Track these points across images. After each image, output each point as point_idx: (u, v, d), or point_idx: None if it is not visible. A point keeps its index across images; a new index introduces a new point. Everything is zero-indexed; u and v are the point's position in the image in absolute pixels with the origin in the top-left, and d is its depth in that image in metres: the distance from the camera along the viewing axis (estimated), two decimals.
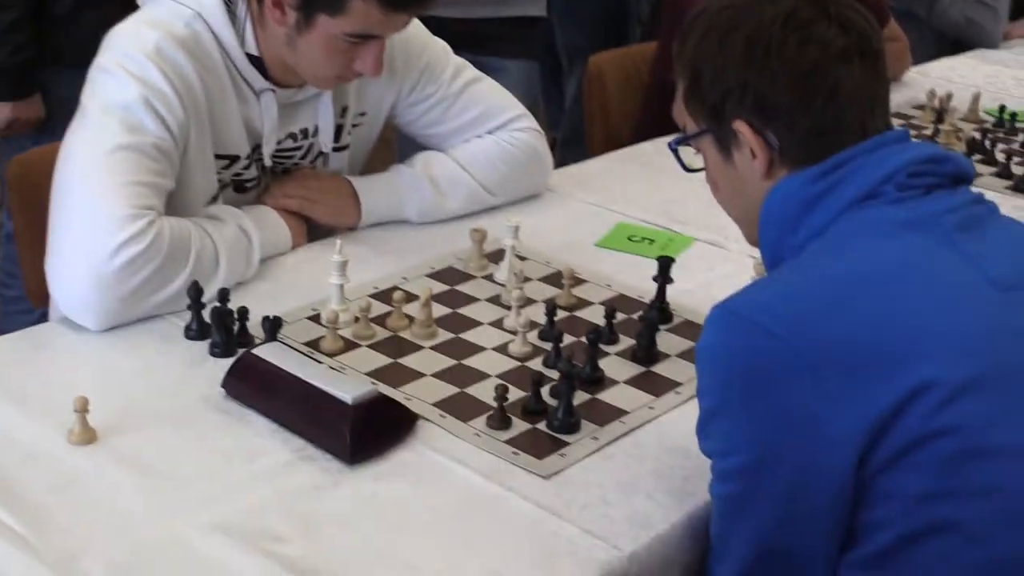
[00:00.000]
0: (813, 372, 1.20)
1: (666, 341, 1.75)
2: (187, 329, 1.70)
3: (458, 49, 2.18)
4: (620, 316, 1.78)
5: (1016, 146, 2.75)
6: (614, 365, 1.69)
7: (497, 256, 1.95)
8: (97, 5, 2.53)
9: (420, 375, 1.64)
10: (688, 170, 1.48)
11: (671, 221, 2.18)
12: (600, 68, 3.02)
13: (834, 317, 1.22)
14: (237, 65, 1.86)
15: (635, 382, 1.66)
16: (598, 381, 1.64)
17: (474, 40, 2.87)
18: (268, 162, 1.98)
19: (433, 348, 1.71)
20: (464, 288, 1.89)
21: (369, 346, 1.70)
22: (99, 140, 1.73)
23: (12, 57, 2.58)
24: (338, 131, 2.05)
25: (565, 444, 1.51)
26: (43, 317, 1.99)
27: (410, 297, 1.79)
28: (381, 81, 2.01)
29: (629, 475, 1.46)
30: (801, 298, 1.25)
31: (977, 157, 2.60)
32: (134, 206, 1.69)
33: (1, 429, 1.48)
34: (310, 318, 1.76)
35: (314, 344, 1.69)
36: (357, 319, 1.73)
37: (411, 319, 1.75)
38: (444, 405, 1.57)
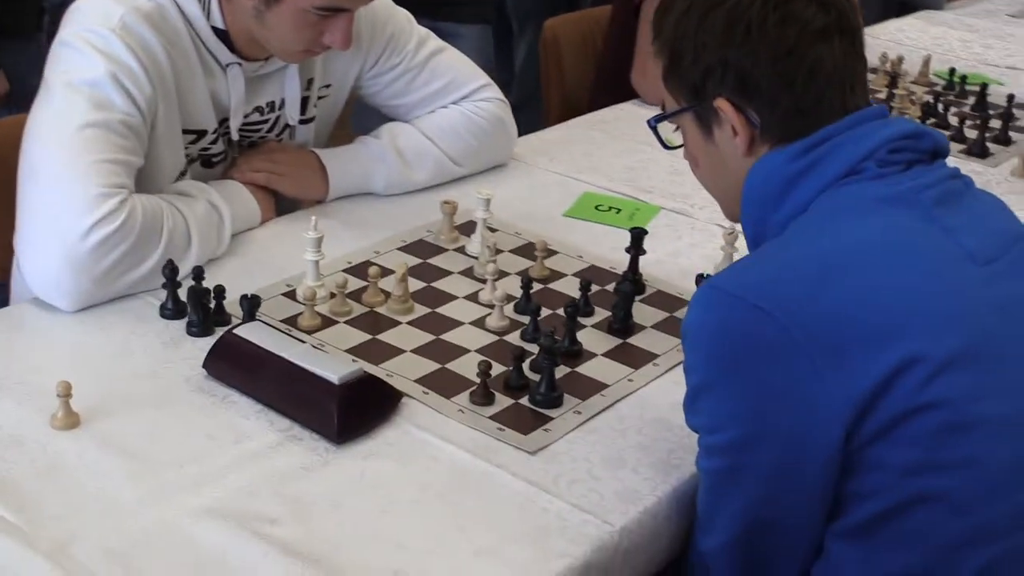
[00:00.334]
0: (800, 348, 1.22)
1: (640, 312, 1.77)
2: (162, 308, 1.68)
3: (416, 15, 2.17)
4: (594, 288, 1.79)
5: (967, 109, 2.79)
6: (591, 337, 1.70)
7: (467, 228, 1.95)
8: None
9: (400, 351, 1.64)
10: (667, 147, 1.49)
11: (636, 190, 2.19)
12: (555, 33, 3.02)
13: (820, 293, 1.24)
14: (203, 39, 1.84)
15: (613, 354, 1.67)
16: (577, 354, 1.65)
17: (431, 5, 2.86)
18: (235, 136, 1.96)
19: (411, 324, 1.71)
20: (437, 261, 1.89)
21: (346, 322, 1.70)
22: (66, 117, 1.70)
23: None
24: (304, 103, 2.03)
25: (549, 419, 1.52)
26: (3, 288, 1.96)
27: (385, 272, 1.79)
28: (346, 53, 1.99)
29: (614, 449, 1.48)
30: (786, 275, 1.27)
31: (931, 121, 2.64)
32: (105, 185, 1.66)
33: None
34: (285, 294, 1.75)
35: (291, 321, 1.69)
36: (333, 295, 1.73)
37: (387, 294, 1.75)
38: (426, 381, 1.58)
